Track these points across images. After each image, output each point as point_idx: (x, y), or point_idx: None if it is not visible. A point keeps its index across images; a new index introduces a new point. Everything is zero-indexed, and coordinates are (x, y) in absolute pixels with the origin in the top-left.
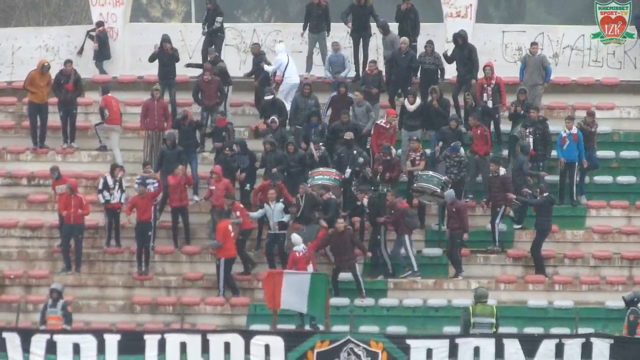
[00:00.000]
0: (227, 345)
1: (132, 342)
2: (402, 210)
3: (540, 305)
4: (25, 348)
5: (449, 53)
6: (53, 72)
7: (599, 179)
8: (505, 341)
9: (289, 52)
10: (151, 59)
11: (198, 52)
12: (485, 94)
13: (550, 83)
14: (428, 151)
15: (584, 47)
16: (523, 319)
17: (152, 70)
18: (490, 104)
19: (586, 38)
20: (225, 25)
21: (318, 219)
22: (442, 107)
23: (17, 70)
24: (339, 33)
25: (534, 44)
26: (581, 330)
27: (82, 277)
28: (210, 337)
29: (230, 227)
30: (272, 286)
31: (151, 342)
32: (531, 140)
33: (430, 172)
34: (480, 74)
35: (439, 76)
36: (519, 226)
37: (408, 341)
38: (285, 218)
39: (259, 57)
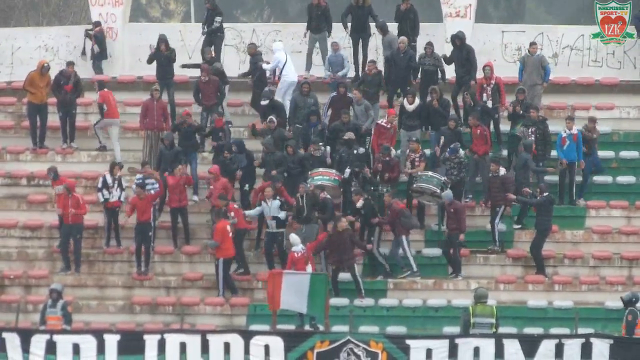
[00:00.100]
0: (226, 346)
1: (131, 343)
2: (398, 211)
3: (540, 305)
4: (25, 348)
5: (448, 55)
6: (53, 72)
7: (598, 179)
8: (505, 341)
9: (289, 52)
10: (149, 61)
11: (198, 52)
12: (484, 94)
13: (550, 83)
14: (428, 152)
15: (584, 47)
16: (523, 319)
17: (151, 71)
18: (489, 104)
19: (586, 38)
20: (225, 25)
21: (317, 219)
22: (442, 107)
23: (17, 70)
24: (339, 33)
25: (532, 44)
26: (581, 331)
27: (82, 277)
28: (209, 337)
29: (228, 227)
30: (272, 286)
31: (151, 342)
32: (533, 139)
33: (430, 173)
34: (480, 74)
35: (439, 77)
36: (519, 226)
37: (408, 341)
38: (282, 214)
39: (255, 57)
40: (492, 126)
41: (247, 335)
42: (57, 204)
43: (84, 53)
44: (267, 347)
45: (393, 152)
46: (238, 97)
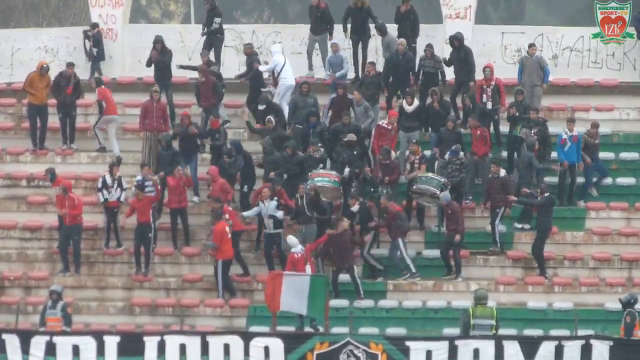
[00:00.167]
0: (226, 347)
1: (131, 344)
2: (394, 214)
3: (540, 306)
4: (25, 350)
5: (447, 57)
6: (53, 73)
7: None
8: (505, 343)
9: (289, 54)
10: (148, 64)
11: (198, 53)
12: (484, 95)
13: (550, 84)
14: (428, 153)
15: (584, 49)
16: (522, 320)
17: (151, 72)
18: (489, 105)
19: (586, 39)
20: (225, 26)
21: (316, 219)
22: (442, 108)
23: (17, 71)
24: (338, 34)
25: (531, 45)
26: (581, 332)
27: (82, 278)
28: (209, 338)
29: (227, 229)
30: (272, 288)
31: (151, 343)
32: (535, 139)
33: (430, 174)
34: (480, 75)
35: (440, 79)
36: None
37: (407, 343)
38: (279, 214)
39: (251, 57)
40: (492, 127)
41: (247, 337)
42: (57, 205)
43: (87, 54)
44: (267, 349)
45: (393, 154)
46: (237, 98)
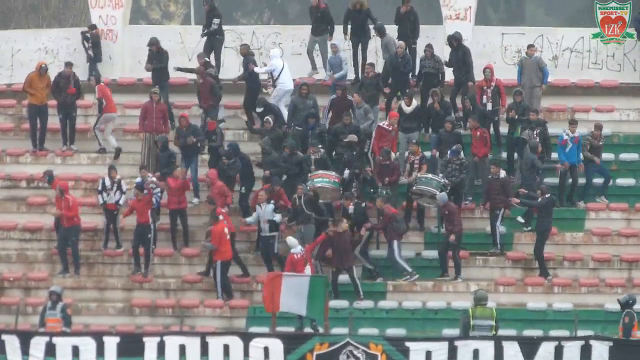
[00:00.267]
0: (226, 348)
1: (131, 345)
2: (390, 216)
3: (540, 307)
4: (25, 350)
5: (447, 59)
6: (53, 74)
7: (598, 181)
8: (505, 344)
9: (289, 55)
10: (147, 67)
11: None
12: (484, 96)
13: (550, 85)
14: (428, 154)
15: (584, 50)
16: (522, 321)
17: (151, 73)
18: (490, 106)
19: (585, 40)
20: (225, 27)
21: (315, 220)
22: (443, 109)
23: (17, 72)
24: (338, 35)
25: (530, 46)
26: (580, 333)
27: (81, 279)
28: (209, 339)
29: (226, 230)
30: (272, 289)
31: (150, 344)
32: (538, 140)
33: (430, 175)
34: (480, 76)
35: (440, 79)
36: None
37: (407, 343)
38: (277, 217)
39: (247, 57)
40: (492, 128)
41: (246, 338)
42: (56, 206)
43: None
44: (266, 350)
45: (393, 155)
46: (236, 100)
